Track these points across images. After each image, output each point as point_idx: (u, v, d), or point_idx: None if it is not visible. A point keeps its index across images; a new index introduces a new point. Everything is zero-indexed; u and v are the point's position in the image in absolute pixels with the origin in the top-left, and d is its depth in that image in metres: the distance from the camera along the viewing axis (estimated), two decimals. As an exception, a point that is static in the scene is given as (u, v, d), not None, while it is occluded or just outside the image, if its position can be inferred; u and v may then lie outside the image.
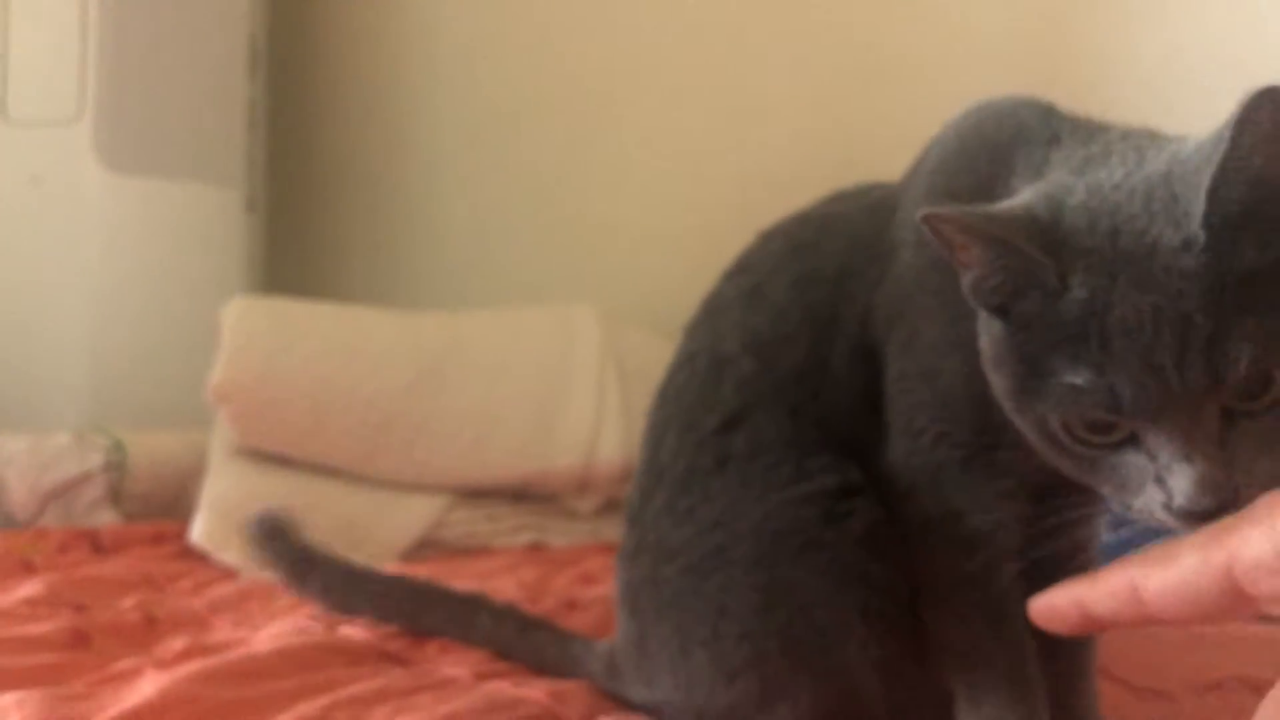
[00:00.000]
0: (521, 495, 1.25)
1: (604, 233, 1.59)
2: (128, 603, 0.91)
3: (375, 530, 1.17)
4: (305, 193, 1.85)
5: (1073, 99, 0.55)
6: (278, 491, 1.17)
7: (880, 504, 0.56)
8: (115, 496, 1.16)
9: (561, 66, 1.62)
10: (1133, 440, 0.43)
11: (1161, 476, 0.42)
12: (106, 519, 1.16)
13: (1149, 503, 0.43)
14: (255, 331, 1.20)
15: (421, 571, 1.03)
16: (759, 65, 1.47)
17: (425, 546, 1.19)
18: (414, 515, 1.20)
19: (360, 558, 1.16)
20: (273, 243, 1.80)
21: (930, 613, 0.56)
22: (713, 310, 0.62)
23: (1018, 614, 0.48)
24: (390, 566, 1.02)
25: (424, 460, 1.22)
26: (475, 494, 1.23)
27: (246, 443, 1.18)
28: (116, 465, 1.18)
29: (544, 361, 1.32)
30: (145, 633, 0.85)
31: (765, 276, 0.60)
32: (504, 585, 0.96)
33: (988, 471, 0.53)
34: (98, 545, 1.10)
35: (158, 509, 1.22)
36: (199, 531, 1.09)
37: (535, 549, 1.18)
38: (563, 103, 1.62)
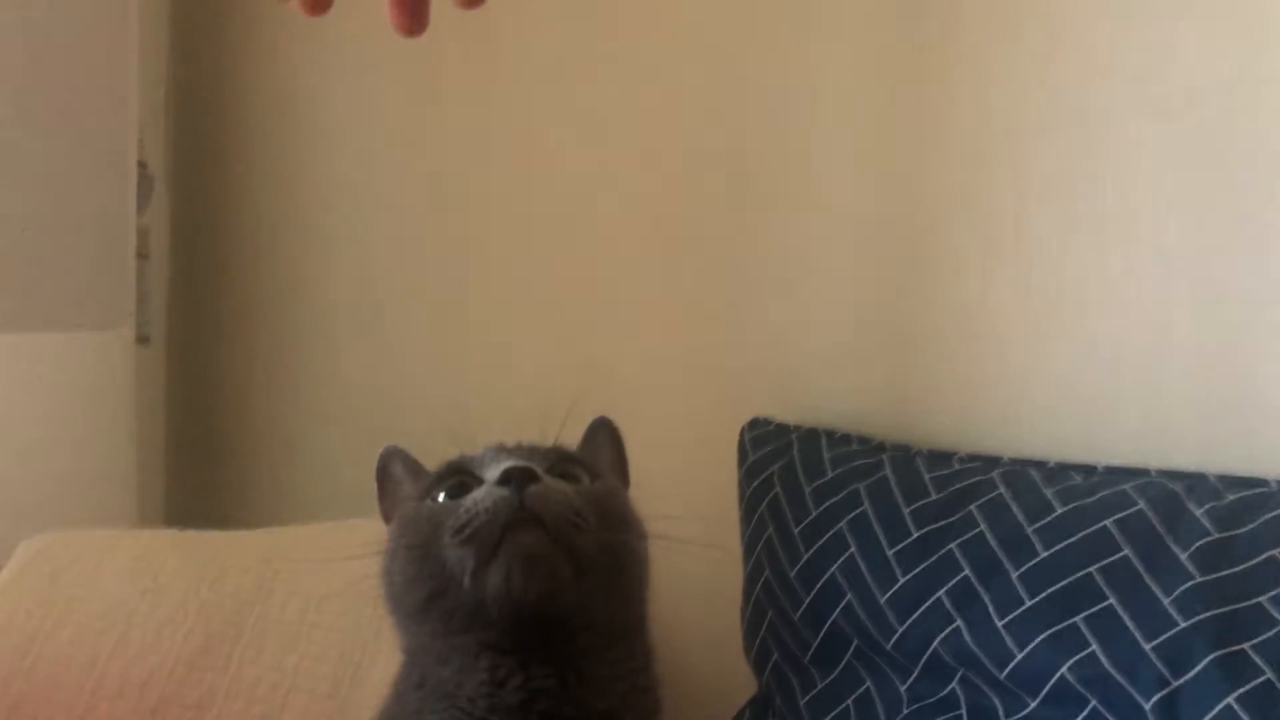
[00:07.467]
0: (317, 773, 1.16)
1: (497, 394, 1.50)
2: None
3: (142, 833, 1.09)
4: (209, 323, 1.76)
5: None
6: (34, 795, 1.08)
7: None
8: None
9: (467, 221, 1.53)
10: None
11: None
12: None
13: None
14: (11, 619, 1.10)
15: None
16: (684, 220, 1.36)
17: (203, 842, 1.10)
18: (189, 810, 1.11)
19: None
20: (171, 377, 1.73)
21: None
22: None
23: None
24: None
25: (204, 745, 1.13)
26: (264, 775, 1.14)
27: (3, 737, 1.09)
28: None
29: (356, 599, 1.22)
30: None
31: None
32: None
33: None
34: None
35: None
36: None
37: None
38: (474, 240, 1.53)
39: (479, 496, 0.58)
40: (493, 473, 0.59)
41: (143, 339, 1.62)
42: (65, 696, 1.09)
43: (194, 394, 1.77)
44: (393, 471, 0.69)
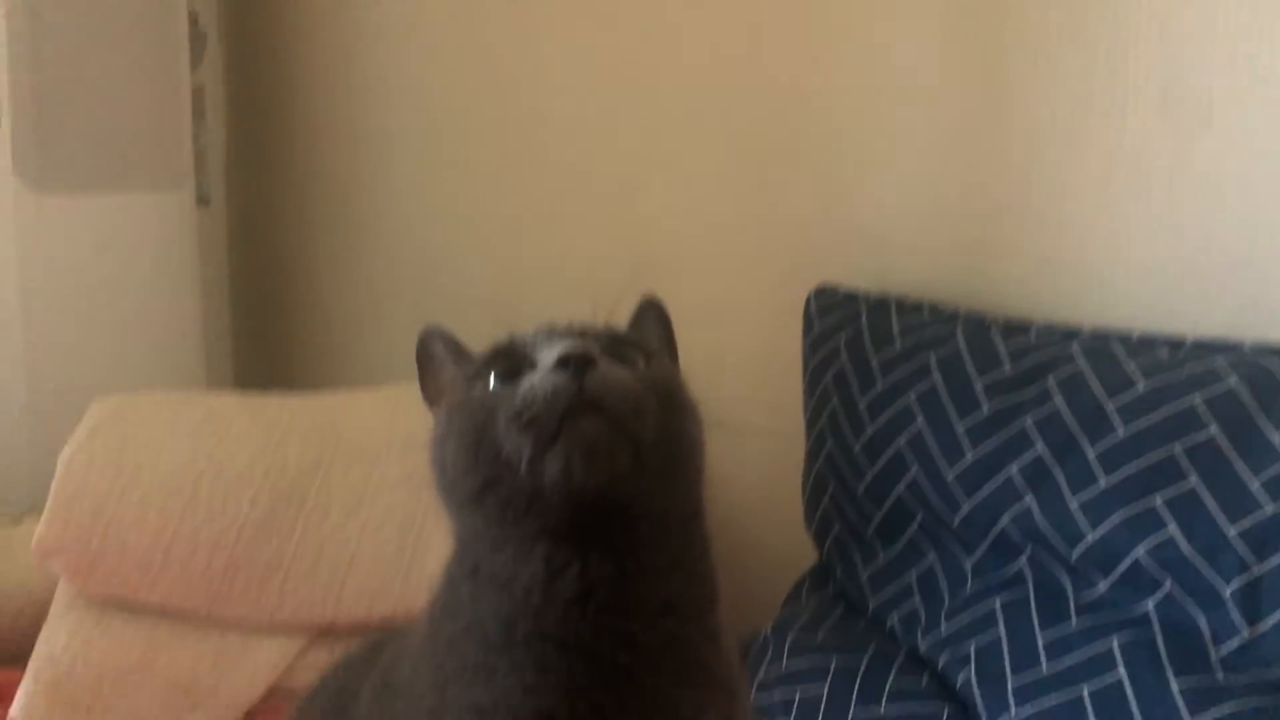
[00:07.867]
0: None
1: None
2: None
3: (219, 687, 1.12)
4: (268, 184, 1.75)
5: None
6: (116, 648, 1.12)
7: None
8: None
9: (524, 69, 1.48)
10: None
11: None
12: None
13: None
14: (85, 479, 1.12)
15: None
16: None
17: (274, 694, 1.14)
18: (262, 664, 1.14)
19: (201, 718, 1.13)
20: (233, 239, 1.73)
21: None
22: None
23: None
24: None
25: (275, 603, 1.15)
26: (333, 633, 1.17)
27: (83, 593, 1.12)
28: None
29: (414, 467, 1.22)
30: None
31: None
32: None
33: None
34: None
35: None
36: (17, 707, 1.05)
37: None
38: (530, 106, 1.48)
39: (535, 382, 0.55)
40: (546, 356, 0.56)
41: (203, 200, 1.62)
42: (138, 557, 1.12)
43: (256, 256, 1.77)
44: (434, 352, 0.65)
